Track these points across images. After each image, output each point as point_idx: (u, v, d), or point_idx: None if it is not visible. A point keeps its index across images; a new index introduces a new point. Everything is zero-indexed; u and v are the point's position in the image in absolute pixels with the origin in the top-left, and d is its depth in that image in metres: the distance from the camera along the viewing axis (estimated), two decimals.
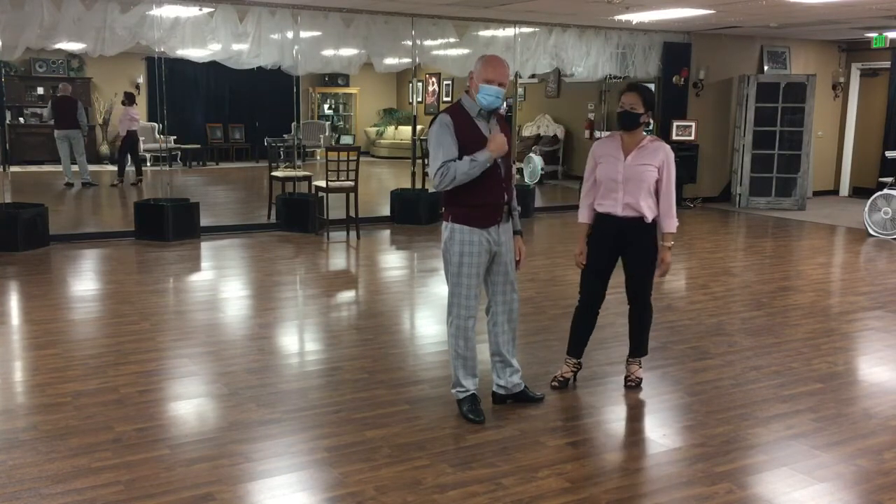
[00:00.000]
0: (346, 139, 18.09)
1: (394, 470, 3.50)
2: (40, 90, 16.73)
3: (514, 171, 5.30)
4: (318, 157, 17.44)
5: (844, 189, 13.92)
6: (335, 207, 9.40)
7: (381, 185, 13.85)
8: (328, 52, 9.89)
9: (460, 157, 3.84)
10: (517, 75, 11.20)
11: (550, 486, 3.38)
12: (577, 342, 4.57)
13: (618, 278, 4.47)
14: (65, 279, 7.23)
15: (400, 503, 3.22)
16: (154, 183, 13.66)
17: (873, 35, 11.65)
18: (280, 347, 5.39)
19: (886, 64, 12.83)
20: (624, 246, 4.36)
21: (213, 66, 10.78)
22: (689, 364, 5.01)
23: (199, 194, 11.50)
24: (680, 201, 10.76)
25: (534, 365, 4.83)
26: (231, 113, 18.54)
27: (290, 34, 9.37)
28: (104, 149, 17.22)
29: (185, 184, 13.78)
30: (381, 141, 19.78)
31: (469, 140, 3.88)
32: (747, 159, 12.17)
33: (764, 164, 12.19)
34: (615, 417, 4.23)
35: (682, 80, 11.96)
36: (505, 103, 6.94)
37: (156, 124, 16.36)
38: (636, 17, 10.04)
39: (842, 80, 13.49)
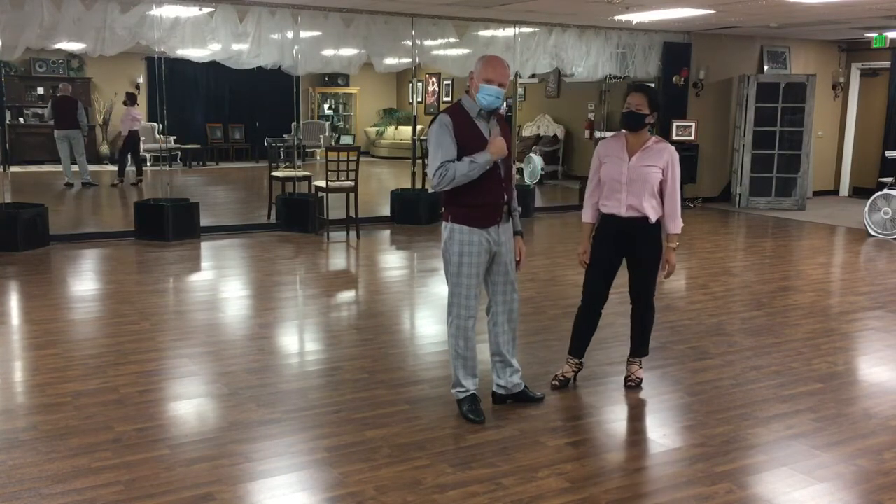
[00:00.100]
0: (346, 139, 18.08)
1: (394, 470, 3.50)
2: (40, 90, 16.73)
3: (514, 171, 5.30)
4: (318, 157, 17.44)
5: (844, 189, 13.92)
6: (335, 207, 9.40)
7: (381, 185, 13.85)
8: (328, 52, 9.89)
9: (460, 158, 3.84)
10: (517, 75, 11.20)
11: (550, 486, 3.38)
12: (580, 342, 4.56)
13: (619, 278, 4.47)
14: (65, 279, 7.23)
15: (400, 503, 3.22)
16: (154, 183, 13.66)
17: (873, 35, 11.65)
18: (280, 347, 5.39)
19: (886, 64, 12.83)
20: (628, 246, 4.36)
21: (213, 66, 10.78)
22: (689, 364, 5.01)
23: (199, 194, 11.50)
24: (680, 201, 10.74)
25: (534, 365, 4.83)
26: (231, 113, 18.55)
27: (290, 34, 9.37)
28: (104, 149, 17.23)
29: (185, 184, 13.78)
30: (381, 141, 19.79)
31: (469, 140, 3.88)
32: (747, 159, 12.17)
33: (764, 164, 12.19)
34: (615, 417, 4.23)
35: (682, 80, 11.96)
36: (505, 103, 6.94)
37: (156, 124, 16.35)
38: (636, 17, 10.04)
39: (842, 80, 13.49)
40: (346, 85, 19.77)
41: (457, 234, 3.95)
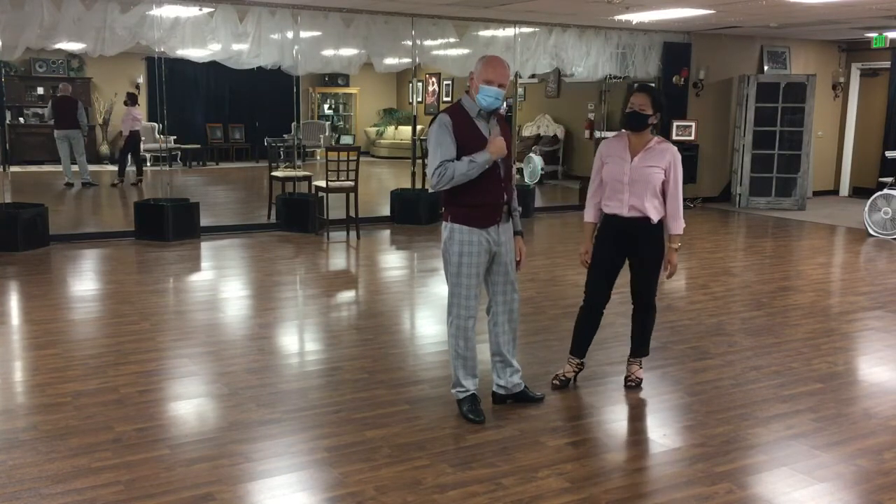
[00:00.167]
0: (346, 139, 18.09)
1: (394, 470, 3.50)
2: (40, 90, 16.73)
3: (514, 171, 5.30)
4: (318, 157, 17.44)
5: (844, 189, 13.92)
6: (335, 207, 9.40)
7: (381, 185, 13.85)
8: (328, 52, 9.89)
9: (459, 157, 3.84)
10: (517, 75, 11.20)
11: (550, 486, 3.38)
12: (581, 342, 4.56)
13: (620, 278, 4.46)
14: (65, 279, 7.23)
15: (400, 503, 3.22)
16: (154, 183, 13.66)
17: (873, 35, 11.65)
18: (280, 347, 5.39)
19: (886, 64, 12.83)
20: (630, 247, 4.35)
21: (213, 66, 10.77)
22: (689, 364, 5.01)
23: (199, 194, 11.50)
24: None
25: (534, 365, 4.83)
26: (231, 113, 18.55)
27: (290, 34, 9.37)
28: (104, 149, 17.23)
29: (185, 184, 13.78)
30: (381, 141, 19.79)
31: (468, 140, 3.88)
32: (747, 159, 12.17)
33: (764, 164, 12.19)
34: (615, 417, 4.23)
35: (682, 80, 11.96)
36: (505, 103, 6.93)
37: (156, 124, 16.36)
38: (636, 17, 10.04)
39: (842, 80, 13.49)
40: (346, 85, 19.77)
41: (457, 234, 3.94)
